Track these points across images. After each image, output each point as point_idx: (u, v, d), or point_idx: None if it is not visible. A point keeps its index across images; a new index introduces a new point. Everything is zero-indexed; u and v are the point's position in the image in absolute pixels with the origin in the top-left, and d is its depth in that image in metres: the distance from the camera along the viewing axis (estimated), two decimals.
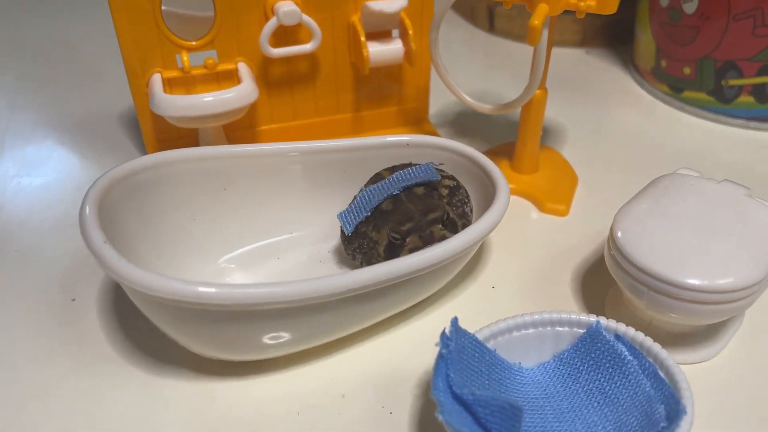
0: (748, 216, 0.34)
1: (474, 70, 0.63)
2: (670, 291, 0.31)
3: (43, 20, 0.72)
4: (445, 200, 0.37)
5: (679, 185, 0.36)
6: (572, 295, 0.39)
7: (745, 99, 0.52)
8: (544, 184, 0.46)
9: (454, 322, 0.30)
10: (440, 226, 0.34)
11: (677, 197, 0.35)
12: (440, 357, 0.29)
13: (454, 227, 0.35)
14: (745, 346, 0.36)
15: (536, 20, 0.36)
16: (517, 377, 0.32)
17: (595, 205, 0.46)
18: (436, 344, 0.29)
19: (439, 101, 0.56)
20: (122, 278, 0.28)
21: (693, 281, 0.31)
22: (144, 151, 0.50)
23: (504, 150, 0.49)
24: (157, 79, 0.43)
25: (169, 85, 0.44)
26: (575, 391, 0.32)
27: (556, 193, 0.46)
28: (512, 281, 0.40)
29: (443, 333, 0.30)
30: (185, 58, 0.43)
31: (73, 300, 0.38)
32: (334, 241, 0.41)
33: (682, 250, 0.32)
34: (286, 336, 0.32)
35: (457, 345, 0.30)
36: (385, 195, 0.36)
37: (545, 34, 0.39)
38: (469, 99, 0.45)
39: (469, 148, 0.39)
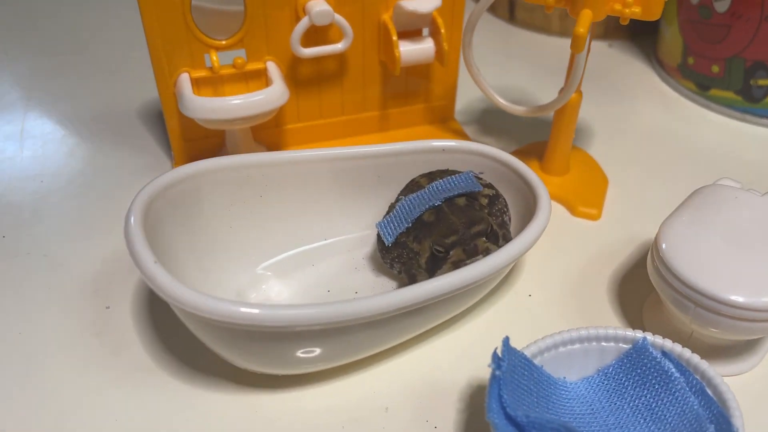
0: None
1: (494, 61, 0.63)
2: (717, 308, 0.31)
3: (58, 8, 0.71)
4: (485, 210, 0.36)
5: (723, 198, 0.35)
6: (609, 303, 0.39)
7: None
8: (575, 186, 0.46)
9: (506, 342, 0.30)
10: (484, 238, 0.34)
11: (721, 210, 0.35)
12: (493, 378, 0.29)
13: (496, 239, 0.35)
14: None
15: (581, 28, 0.36)
16: (563, 392, 0.32)
17: (626, 208, 0.45)
18: (489, 365, 0.29)
19: (464, 97, 0.55)
20: (174, 300, 0.28)
21: (740, 298, 0.31)
22: (168, 148, 0.49)
23: (533, 150, 0.49)
24: (185, 80, 0.42)
25: (197, 85, 0.43)
26: (621, 407, 0.32)
27: (587, 196, 0.45)
28: (548, 289, 0.40)
29: (495, 353, 0.30)
30: (214, 57, 0.42)
31: (108, 308, 0.38)
32: (368, 247, 0.40)
33: (729, 265, 0.32)
34: (329, 353, 0.31)
35: (508, 364, 0.29)
36: (427, 206, 0.35)
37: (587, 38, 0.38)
38: (502, 101, 0.45)
39: (507, 155, 0.39)
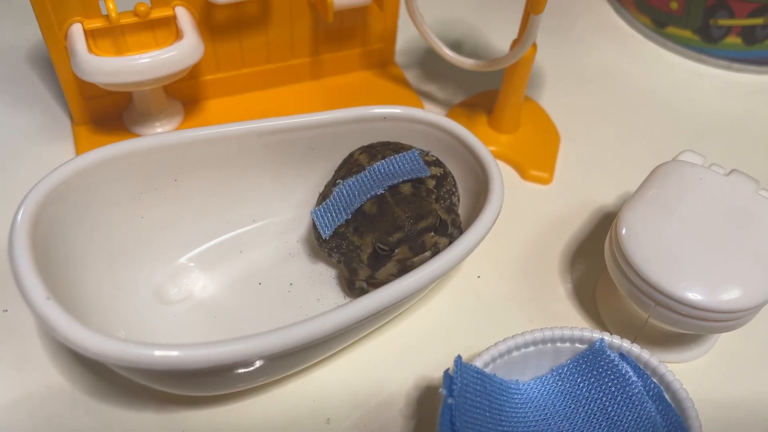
0: (760, 219, 0.31)
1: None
2: (679, 308, 0.29)
3: None
4: (433, 195, 0.33)
5: (686, 180, 0.33)
6: (562, 283, 0.37)
7: (732, 40, 0.48)
8: (525, 145, 0.42)
9: (458, 361, 0.27)
10: (432, 233, 0.30)
11: (684, 195, 0.32)
12: (445, 406, 0.26)
13: (445, 230, 0.31)
14: (732, 343, 0.35)
15: None
16: (516, 397, 0.30)
17: (578, 169, 0.42)
18: (440, 391, 0.27)
19: (405, 34, 0.49)
20: (74, 345, 0.23)
21: (705, 300, 0.29)
22: (65, 103, 0.43)
23: (481, 101, 0.44)
24: (77, 33, 0.35)
25: (93, 38, 0.36)
26: (575, 410, 0.30)
27: (538, 157, 0.42)
28: (498, 268, 0.37)
29: (446, 374, 0.27)
30: (110, 3, 0.35)
31: (5, 311, 0.33)
32: (303, 229, 0.36)
33: (692, 261, 0.30)
34: (265, 374, 0.28)
35: (461, 384, 0.27)
36: (368, 194, 0.31)
37: None
38: (449, 53, 0.40)
39: (457, 126, 0.34)
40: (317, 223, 0.32)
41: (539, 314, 0.35)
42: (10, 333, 0.32)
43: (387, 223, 0.30)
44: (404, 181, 0.32)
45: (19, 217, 0.26)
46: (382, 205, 0.31)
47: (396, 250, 0.30)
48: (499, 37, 0.51)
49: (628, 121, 0.46)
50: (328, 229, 0.32)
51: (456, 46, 0.50)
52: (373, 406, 0.31)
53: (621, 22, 0.54)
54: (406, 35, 0.49)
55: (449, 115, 0.44)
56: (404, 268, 0.30)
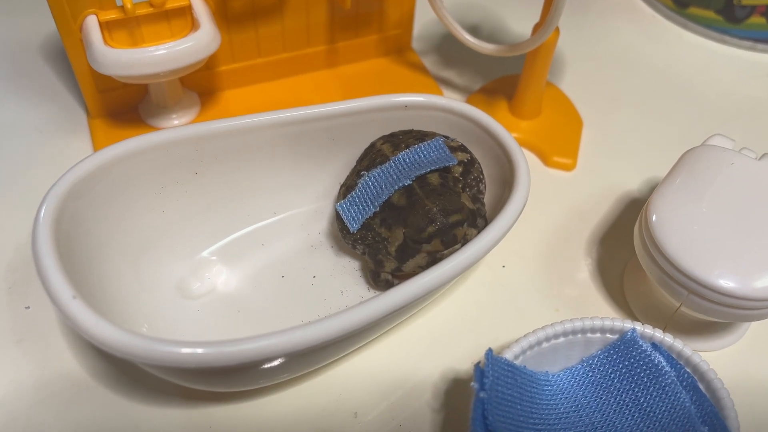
0: None
1: None
2: (712, 297, 0.29)
3: None
4: (460, 184, 0.32)
5: (717, 164, 0.32)
6: (587, 271, 0.36)
7: (756, 20, 0.47)
8: (547, 131, 0.42)
9: (489, 354, 0.27)
10: (462, 226, 0.30)
11: (715, 180, 0.31)
12: (477, 400, 0.26)
13: (474, 222, 0.31)
14: (766, 329, 0.34)
15: None
16: (546, 389, 0.30)
17: (601, 154, 0.42)
18: (472, 385, 0.26)
19: (422, 18, 0.49)
20: (101, 344, 0.23)
21: (739, 288, 0.28)
22: (80, 96, 0.42)
23: (502, 87, 0.44)
24: (92, 25, 0.35)
25: (109, 30, 0.36)
26: (606, 401, 0.30)
27: (561, 143, 0.41)
28: (522, 257, 0.36)
29: (477, 368, 0.27)
30: None
31: (28, 308, 0.33)
32: (325, 221, 0.36)
33: (726, 248, 0.29)
34: (292, 369, 0.28)
35: (492, 378, 0.27)
36: (395, 186, 0.31)
37: None
38: (468, 38, 0.39)
39: (483, 114, 0.34)
40: (344, 216, 0.32)
41: (566, 303, 0.35)
42: (33, 330, 0.32)
43: (418, 217, 0.30)
44: (431, 171, 0.31)
45: (42, 213, 0.26)
46: (412, 197, 0.30)
47: (427, 244, 0.30)
48: (519, 21, 0.50)
49: (651, 105, 0.45)
50: (356, 223, 0.31)
51: (474, 30, 0.49)
52: (400, 398, 0.31)
53: (641, 3, 0.53)
54: (423, 20, 0.48)
55: (469, 101, 0.43)
56: (433, 261, 0.29)
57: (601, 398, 0.30)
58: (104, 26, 0.35)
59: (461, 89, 0.45)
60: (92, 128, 0.40)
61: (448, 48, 0.47)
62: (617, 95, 0.46)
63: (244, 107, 0.42)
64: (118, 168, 0.29)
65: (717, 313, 0.30)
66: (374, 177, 0.32)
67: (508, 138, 0.33)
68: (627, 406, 0.29)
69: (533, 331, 0.29)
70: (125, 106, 0.41)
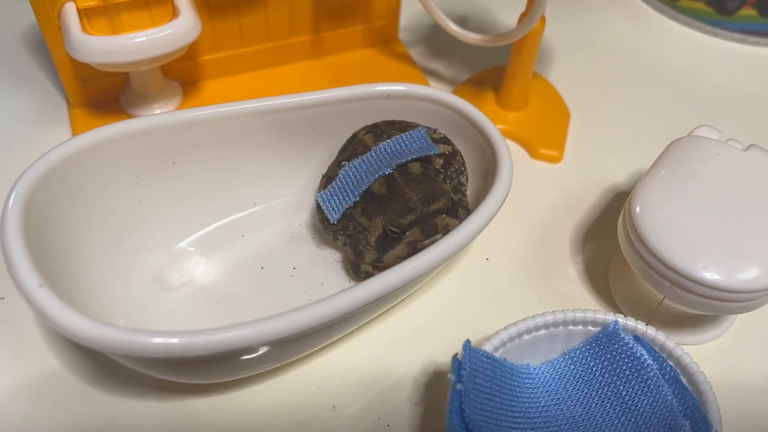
0: None
1: None
2: (696, 289, 0.28)
3: None
4: (441, 176, 0.32)
5: (703, 155, 0.31)
6: (572, 264, 0.36)
7: (747, 12, 0.47)
8: (534, 123, 0.41)
9: (467, 346, 0.26)
10: (443, 215, 0.29)
11: (701, 171, 0.31)
12: (454, 392, 0.25)
13: (456, 212, 0.30)
14: (750, 323, 0.34)
15: None
16: (527, 381, 0.30)
17: (589, 146, 0.41)
18: (449, 377, 0.26)
19: (409, 8, 0.48)
20: (68, 333, 0.23)
21: (723, 280, 0.28)
22: (61, 85, 0.42)
23: (489, 78, 0.43)
24: (71, 12, 0.34)
25: (87, 17, 0.35)
26: (588, 395, 0.29)
27: (548, 135, 0.41)
28: (507, 250, 0.36)
29: (455, 360, 0.26)
30: None
31: (2, 299, 0.32)
32: (306, 213, 0.35)
33: (709, 240, 0.29)
34: (269, 360, 0.27)
35: (470, 369, 0.26)
36: (376, 174, 0.30)
37: None
38: (455, 28, 0.39)
39: (465, 104, 0.33)
40: (324, 207, 0.31)
41: (550, 296, 0.34)
42: (7, 321, 0.32)
43: (398, 205, 0.29)
44: (413, 160, 0.31)
45: (11, 202, 0.25)
46: (392, 186, 0.30)
47: (407, 233, 0.29)
48: (506, 11, 0.50)
49: (640, 97, 0.45)
50: (336, 213, 0.31)
51: (462, 21, 0.48)
52: (379, 391, 0.30)
53: None
54: (410, 11, 0.48)
55: (455, 92, 0.43)
56: (414, 251, 0.29)
57: (583, 391, 0.30)
58: (83, 13, 0.35)
59: (448, 80, 0.44)
60: (72, 118, 0.40)
61: (435, 39, 0.47)
62: (606, 87, 0.45)
63: (227, 97, 0.41)
64: (92, 156, 0.29)
65: (700, 306, 0.29)
66: (355, 167, 0.31)
67: (491, 126, 0.32)
68: (609, 399, 0.29)
69: (514, 323, 0.29)
70: (106, 95, 0.40)
